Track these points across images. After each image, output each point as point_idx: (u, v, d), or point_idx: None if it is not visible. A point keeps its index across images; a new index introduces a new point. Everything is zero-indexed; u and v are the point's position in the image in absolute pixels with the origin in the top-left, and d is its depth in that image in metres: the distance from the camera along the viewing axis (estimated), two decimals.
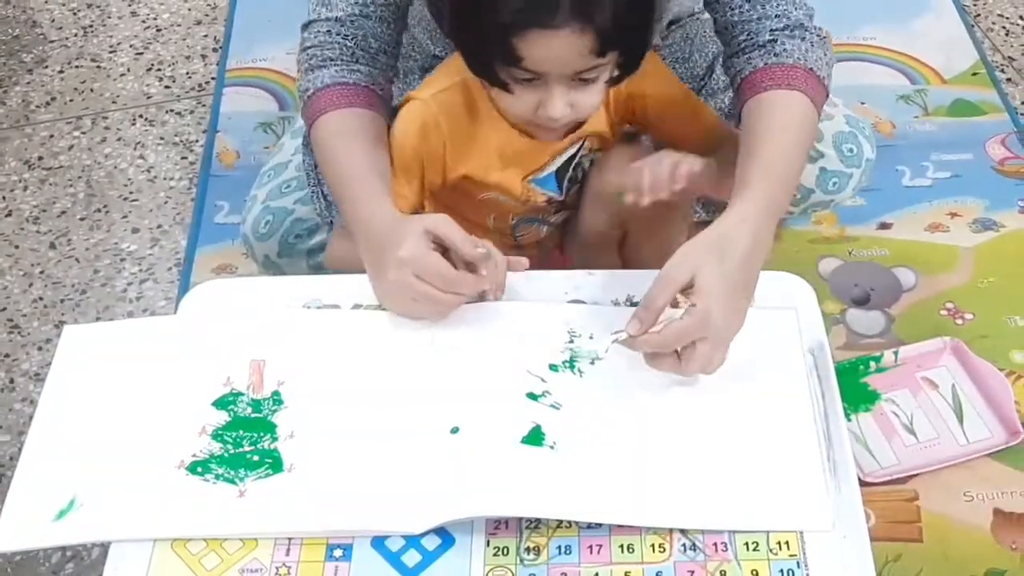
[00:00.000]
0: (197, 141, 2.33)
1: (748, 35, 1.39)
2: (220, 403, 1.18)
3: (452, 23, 1.29)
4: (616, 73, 1.28)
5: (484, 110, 1.38)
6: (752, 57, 1.37)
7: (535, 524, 1.09)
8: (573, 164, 1.46)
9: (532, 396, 1.18)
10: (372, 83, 1.44)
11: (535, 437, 1.13)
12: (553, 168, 1.45)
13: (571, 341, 1.22)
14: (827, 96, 1.40)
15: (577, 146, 1.44)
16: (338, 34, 1.45)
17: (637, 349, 1.15)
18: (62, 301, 2.04)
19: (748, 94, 1.35)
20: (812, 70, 1.35)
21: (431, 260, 1.21)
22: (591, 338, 1.23)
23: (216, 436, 1.15)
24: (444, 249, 1.23)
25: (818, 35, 1.40)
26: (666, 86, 1.43)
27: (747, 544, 1.07)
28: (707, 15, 1.69)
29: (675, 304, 1.14)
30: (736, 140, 1.32)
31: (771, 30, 1.37)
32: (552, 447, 1.13)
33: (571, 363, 1.20)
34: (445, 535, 1.08)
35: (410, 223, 1.24)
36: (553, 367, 1.20)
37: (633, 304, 1.25)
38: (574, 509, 1.08)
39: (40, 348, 1.97)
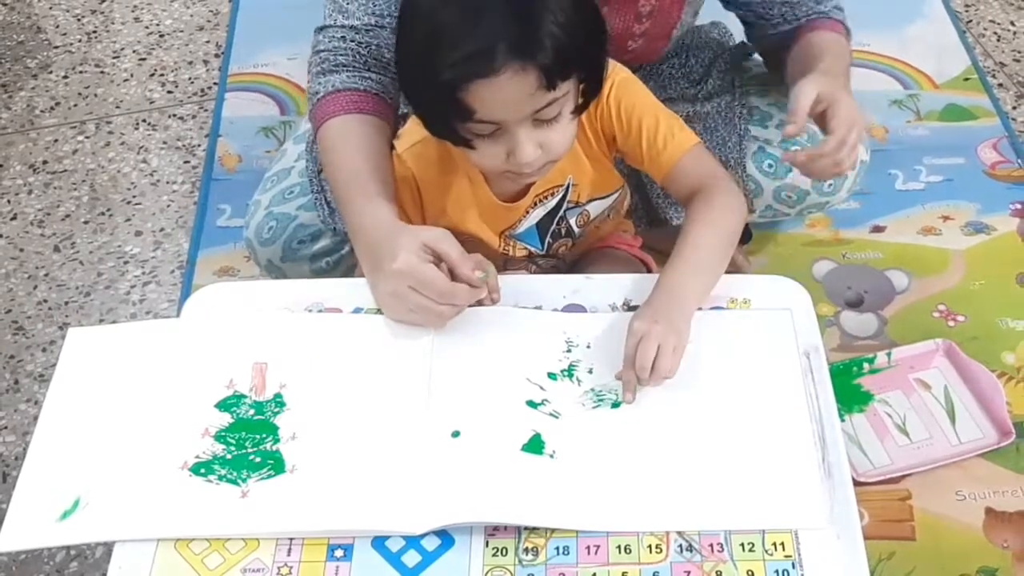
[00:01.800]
0: (199, 145, 2.33)
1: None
2: (223, 405, 1.18)
3: (404, 92, 1.27)
4: (581, 100, 1.25)
5: (460, 161, 1.35)
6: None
7: (533, 525, 1.09)
8: (556, 218, 1.44)
9: (532, 404, 1.18)
10: (382, 91, 1.44)
11: (535, 445, 1.13)
12: (531, 223, 1.43)
13: (568, 350, 1.22)
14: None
15: (556, 198, 1.41)
16: (352, 41, 1.45)
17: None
18: (66, 303, 2.04)
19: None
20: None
21: (427, 272, 1.19)
22: (588, 347, 1.22)
23: (219, 438, 1.15)
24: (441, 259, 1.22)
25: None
26: (633, 101, 1.37)
27: (743, 545, 1.07)
28: (704, 24, 1.70)
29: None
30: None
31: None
32: (552, 456, 1.13)
33: (569, 371, 1.20)
34: (445, 536, 1.08)
35: (408, 234, 1.23)
36: (552, 375, 1.20)
37: (630, 308, 1.26)
38: (574, 519, 1.08)
39: (44, 350, 1.97)
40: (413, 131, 1.38)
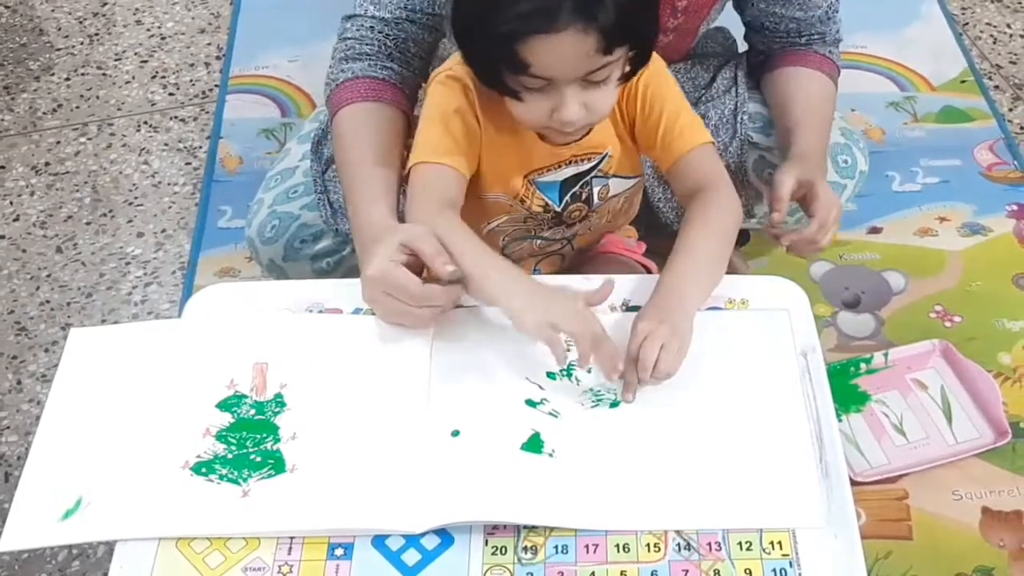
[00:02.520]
0: (201, 147, 2.33)
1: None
2: (224, 405, 1.18)
3: (458, 38, 1.28)
4: (627, 69, 1.26)
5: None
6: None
7: (533, 524, 1.09)
8: (582, 181, 1.44)
9: (531, 403, 1.18)
10: (402, 82, 1.46)
11: (535, 444, 1.13)
12: (560, 177, 1.43)
13: (568, 349, 1.22)
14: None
15: (592, 163, 1.42)
16: (380, 32, 1.46)
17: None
18: (68, 304, 2.04)
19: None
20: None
21: (398, 277, 1.19)
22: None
23: (220, 437, 1.15)
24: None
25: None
26: (660, 88, 1.39)
27: (740, 544, 1.07)
28: (710, 30, 1.71)
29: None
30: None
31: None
32: (551, 455, 1.13)
33: (568, 371, 1.20)
34: (444, 535, 1.08)
35: (387, 237, 1.23)
36: (551, 375, 1.20)
37: (629, 309, 1.26)
38: (573, 518, 1.08)
39: (47, 350, 1.97)
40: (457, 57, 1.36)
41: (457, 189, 1.33)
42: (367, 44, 1.47)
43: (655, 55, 1.35)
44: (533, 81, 1.21)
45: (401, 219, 1.33)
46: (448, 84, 1.34)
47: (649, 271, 1.56)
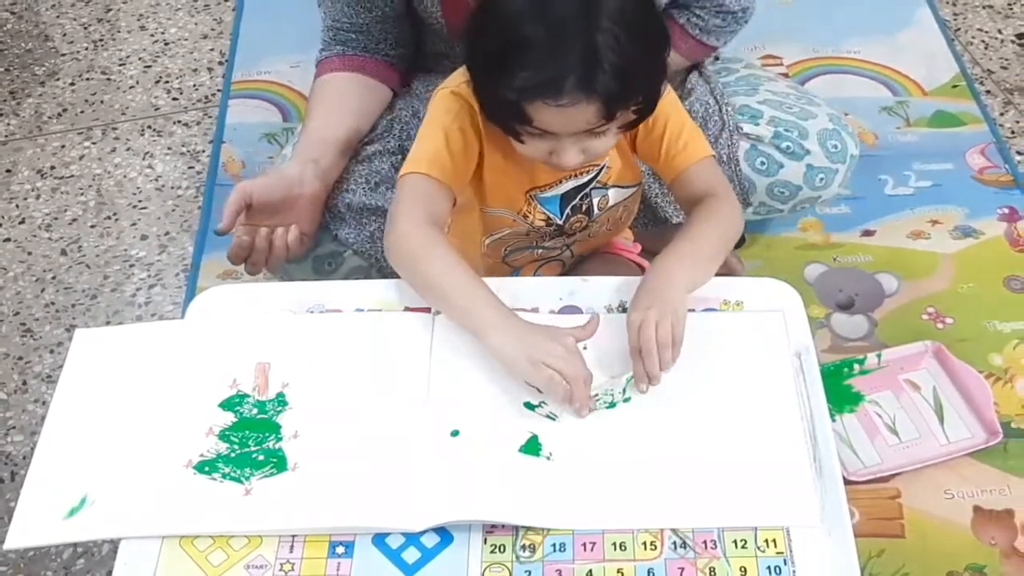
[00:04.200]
0: (204, 151, 2.33)
1: None
2: (226, 404, 1.19)
3: (472, 79, 1.29)
4: (633, 117, 1.27)
5: None
6: None
7: (530, 525, 1.09)
8: (581, 194, 1.45)
9: (529, 406, 1.18)
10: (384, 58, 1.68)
11: (533, 447, 1.14)
12: (560, 191, 1.43)
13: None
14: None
15: (591, 175, 1.43)
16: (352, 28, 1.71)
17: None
18: (73, 306, 2.04)
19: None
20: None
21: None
22: (584, 349, 1.21)
23: (223, 436, 1.15)
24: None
25: None
26: (664, 103, 1.38)
27: (736, 542, 1.07)
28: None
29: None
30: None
31: None
32: (549, 458, 1.13)
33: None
34: (444, 533, 1.08)
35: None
36: None
37: (625, 310, 1.26)
38: (571, 520, 1.09)
39: (52, 351, 1.96)
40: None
41: (445, 207, 1.34)
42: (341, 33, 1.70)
43: None
44: (535, 130, 1.23)
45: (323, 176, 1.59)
46: (455, 100, 1.34)
47: (644, 271, 1.57)
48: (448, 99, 1.35)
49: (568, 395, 1.15)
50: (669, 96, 1.40)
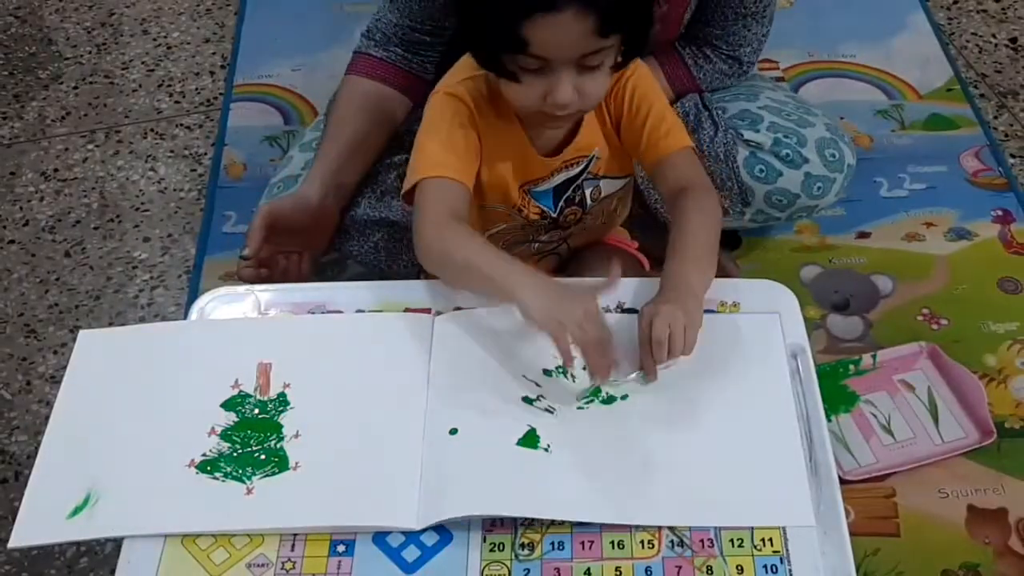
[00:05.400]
0: (206, 154, 2.33)
1: None
2: (228, 404, 1.19)
3: (459, 15, 1.29)
4: (619, 59, 1.27)
5: (503, 106, 1.36)
6: None
7: (529, 521, 1.09)
8: (573, 185, 1.45)
9: (527, 400, 1.18)
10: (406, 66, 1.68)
11: (530, 440, 1.13)
12: (553, 184, 1.44)
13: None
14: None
15: (581, 167, 1.43)
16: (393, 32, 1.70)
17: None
18: (77, 307, 2.04)
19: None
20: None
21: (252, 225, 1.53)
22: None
23: (225, 436, 1.15)
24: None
25: None
26: (647, 91, 1.41)
27: (732, 541, 1.07)
28: None
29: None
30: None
31: None
32: (547, 449, 1.13)
33: (563, 369, 1.20)
34: (443, 532, 1.08)
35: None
36: (547, 372, 1.20)
37: (625, 311, 1.26)
38: (568, 510, 1.08)
39: (56, 352, 1.96)
40: (462, 70, 1.38)
41: (463, 201, 1.33)
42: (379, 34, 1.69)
43: (639, 61, 1.38)
44: (530, 61, 1.22)
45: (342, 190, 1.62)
46: (449, 99, 1.35)
47: (641, 263, 1.57)
48: (444, 100, 1.35)
49: (598, 364, 1.16)
50: (654, 85, 1.42)
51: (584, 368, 1.19)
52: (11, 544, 1.09)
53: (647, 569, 1.06)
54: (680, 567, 1.06)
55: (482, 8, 1.23)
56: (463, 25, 1.30)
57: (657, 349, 1.17)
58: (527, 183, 1.43)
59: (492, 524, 1.09)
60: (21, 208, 2.24)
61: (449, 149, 1.33)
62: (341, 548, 1.08)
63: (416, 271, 1.66)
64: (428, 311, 1.27)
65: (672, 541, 1.07)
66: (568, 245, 1.57)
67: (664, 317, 1.18)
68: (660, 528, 1.08)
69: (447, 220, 1.28)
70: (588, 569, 1.06)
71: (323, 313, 1.29)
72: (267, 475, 1.12)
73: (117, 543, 1.09)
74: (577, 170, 1.43)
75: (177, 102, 2.48)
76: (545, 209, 1.46)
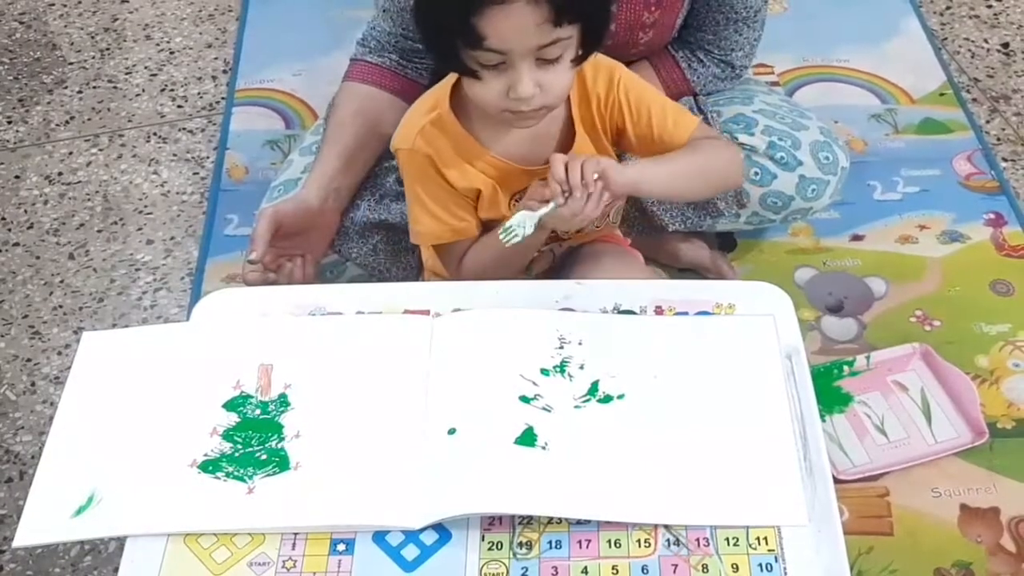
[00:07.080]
0: (208, 157, 2.33)
1: None
2: (230, 405, 1.18)
3: (416, 16, 1.30)
4: (580, 52, 1.27)
5: (462, 140, 1.38)
6: None
7: (527, 520, 1.09)
8: None
9: (524, 399, 1.18)
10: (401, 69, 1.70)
11: (528, 438, 1.13)
12: None
13: (561, 347, 1.22)
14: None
15: None
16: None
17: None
18: (80, 309, 2.04)
19: None
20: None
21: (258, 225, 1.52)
22: (580, 344, 1.23)
23: (226, 436, 1.15)
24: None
25: None
26: (641, 92, 1.43)
27: (728, 539, 1.07)
28: None
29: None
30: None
31: None
32: (544, 447, 1.13)
33: (561, 367, 1.20)
34: (442, 530, 1.08)
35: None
36: (544, 371, 1.20)
37: (621, 312, 1.26)
38: (565, 507, 1.08)
39: (60, 353, 1.97)
40: (413, 119, 1.40)
41: (470, 240, 1.45)
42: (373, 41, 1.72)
43: (616, 63, 1.40)
44: (489, 56, 1.23)
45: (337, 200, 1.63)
46: (411, 157, 1.40)
47: (636, 259, 1.58)
48: (407, 160, 1.40)
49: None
50: (643, 84, 1.43)
51: (581, 367, 1.20)
52: (16, 543, 1.09)
53: (643, 567, 1.06)
54: (676, 565, 1.06)
55: (437, 5, 1.24)
56: (421, 26, 1.30)
57: (571, 167, 1.26)
58: (516, 194, 1.43)
59: (490, 523, 1.09)
60: (26, 211, 2.24)
61: (436, 210, 1.40)
62: (341, 547, 1.08)
63: (415, 272, 1.67)
64: (427, 312, 1.27)
65: (668, 540, 1.07)
66: (560, 245, 1.58)
67: (576, 159, 1.26)
68: (656, 527, 1.08)
69: (460, 265, 1.46)
70: (585, 568, 1.06)
71: (323, 315, 1.29)
72: (268, 475, 1.12)
73: (120, 542, 1.09)
74: None
75: (180, 106, 2.48)
76: None
